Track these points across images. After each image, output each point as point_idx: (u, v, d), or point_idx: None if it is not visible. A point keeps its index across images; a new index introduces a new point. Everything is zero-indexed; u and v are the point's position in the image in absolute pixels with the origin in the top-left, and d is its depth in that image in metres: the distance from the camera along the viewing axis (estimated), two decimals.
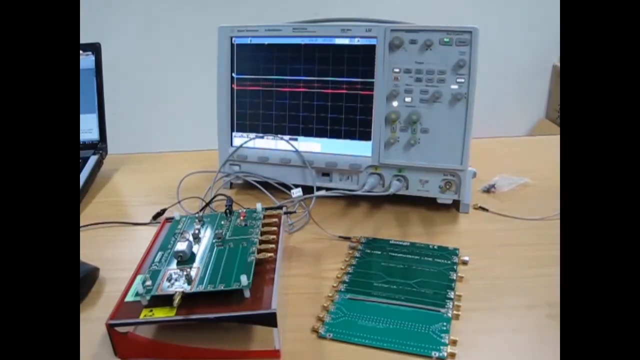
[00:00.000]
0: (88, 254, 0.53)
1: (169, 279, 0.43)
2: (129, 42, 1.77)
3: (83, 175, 0.73)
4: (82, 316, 0.47)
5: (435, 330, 0.43)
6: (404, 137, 0.62)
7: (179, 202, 0.67)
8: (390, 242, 0.57)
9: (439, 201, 0.63)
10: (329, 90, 0.65)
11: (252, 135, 0.69)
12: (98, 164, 0.78)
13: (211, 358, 0.42)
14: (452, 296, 0.47)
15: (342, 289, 0.49)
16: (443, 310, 0.45)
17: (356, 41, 0.63)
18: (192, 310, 0.40)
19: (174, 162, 0.84)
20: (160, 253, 0.48)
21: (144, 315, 0.40)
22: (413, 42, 0.60)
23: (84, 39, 0.73)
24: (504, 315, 0.46)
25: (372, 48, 0.62)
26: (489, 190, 0.69)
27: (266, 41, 0.66)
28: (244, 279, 0.40)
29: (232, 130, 0.70)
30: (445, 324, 0.44)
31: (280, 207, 0.55)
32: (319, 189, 0.65)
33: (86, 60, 0.79)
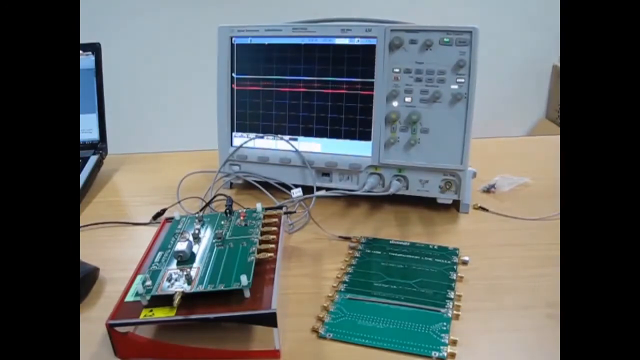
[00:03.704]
0: (88, 254, 0.53)
1: (169, 279, 0.43)
2: (129, 42, 1.77)
3: (83, 175, 0.73)
4: (82, 316, 0.47)
5: (435, 330, 0.43)
6: (404, 137, 0.62)
7: (179, 202, 0.67)
8: (390, 242, 0.57)
9: (439, 201, 0.63)
10: (329, 90, 0.65)
11: (252, 135, 0.69)
12: (98, 164, 0.78)
13: (211, 358, 0.42)
14: (452, 296, 0.47)
15: (342, 289, 0.49)
16: (443, 310, 0.45)
17: (356, 41, 0.63)
18: (192, 310, 0.40)
19: (174, 162, 0.84)
20: (160, 253, 0.48)
21: (144, 315, 0.40)
22: (413, 42, 0.60)
23: (84, 39, 0.73)
24: (504, 315, 0.46)
25: (372, 48, 0.62)
26: (489, 190, 0.69)
27: (266, 41, 0.66)
28: (244, 279, 0.40)
29: (232, 130, 0.70)
30: (445, 324, 0.44)
31: (280, 207, 0.55)
32: (319, 189, 0.65)
33: (86, 60, 0.79)
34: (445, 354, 0.40)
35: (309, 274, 0.53)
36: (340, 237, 0.59)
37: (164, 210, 0.65)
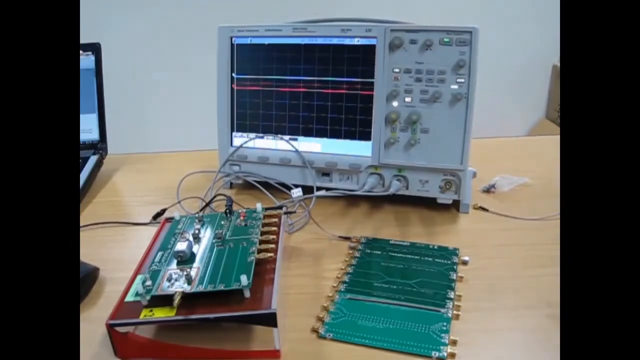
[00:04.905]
0: (88, 254, 0.53)
1: (169, 279, 0.43)
2: (129, 42, 1.77)
3: (83, 175, 0.73)
4: (82, 316, 0.47)
5: (435, 330, 0.43)
6: (404, 137, 0.62)
7: (179, 202, 0.67)
8: (390, 242, 0.57)
9: (439, 201, 0.63)
10: (329, 90, 0.65)
11: (252, 135, 0.69)
12: (98, 164, 0.78)
13: (211, 358, 0.42)
14: (452, 296, 0.47)
15: (342, 289, 0.49)
16: (443, 310, 0.45)
17: (356, 41, 0.63)
18: (192, 310, 0.40)
19: (174, 162, 0.84)
20: (160, 253, 0.48)
21: (144, 315, 0.40)
22: (413, 42, 0.60)
23: (84, 39, 0.73)
24: (504, 315, 0.46)
25: (372, 48, 0.62)
26: (489, 190, 0.69)
27: (266, 41, 0.66)
28: (244, 279, 0.40)
29: (232, 130, 0.70)
30: (445, 324, 0.44)
31: (280, 207, 0.55)
32: (319, 189, 0.65)
33: (86, 60, 0.79)
34: (445, 354, 0.40)
35: (309, 274, 0.53)
36: (340, 237, 0.59)
37: (164, 210, 0.65)
